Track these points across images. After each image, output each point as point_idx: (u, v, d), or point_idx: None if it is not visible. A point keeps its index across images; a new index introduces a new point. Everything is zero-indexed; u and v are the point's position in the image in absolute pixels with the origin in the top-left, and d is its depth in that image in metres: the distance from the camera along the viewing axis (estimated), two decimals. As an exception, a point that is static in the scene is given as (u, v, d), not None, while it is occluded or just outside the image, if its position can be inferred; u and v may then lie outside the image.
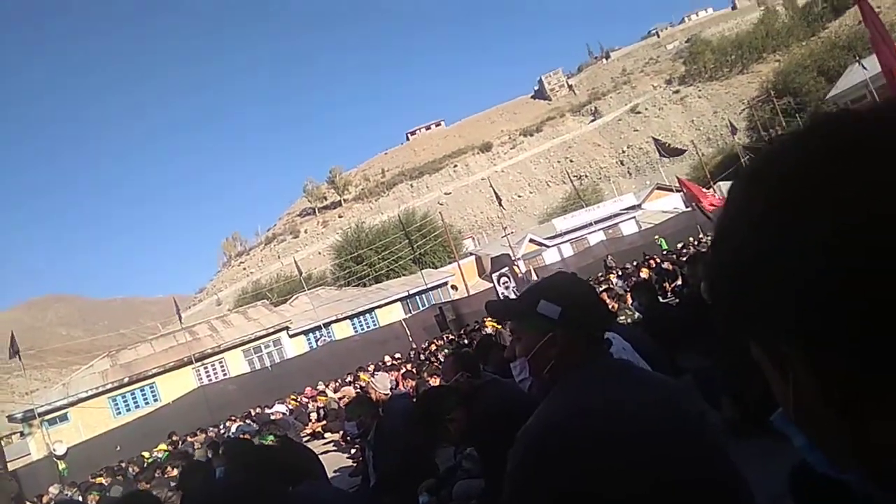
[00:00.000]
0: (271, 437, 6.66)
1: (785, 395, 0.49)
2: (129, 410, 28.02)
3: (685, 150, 51.49)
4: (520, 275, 21.70)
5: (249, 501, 2.00)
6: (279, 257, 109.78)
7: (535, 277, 22.92)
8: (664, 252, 23.29)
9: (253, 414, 16.86)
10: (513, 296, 20.26)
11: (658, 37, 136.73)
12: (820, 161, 0.45)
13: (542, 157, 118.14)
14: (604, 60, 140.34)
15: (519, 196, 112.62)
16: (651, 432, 1.41)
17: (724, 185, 44.77)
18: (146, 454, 15.38)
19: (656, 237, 29.48)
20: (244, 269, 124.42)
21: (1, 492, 12.39)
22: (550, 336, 1.61)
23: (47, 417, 26.77)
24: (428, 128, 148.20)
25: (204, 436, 15.47)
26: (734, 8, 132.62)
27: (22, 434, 29.98)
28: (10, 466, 19.95)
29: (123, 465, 14.88)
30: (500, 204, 46.06)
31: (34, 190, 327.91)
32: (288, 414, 14.52)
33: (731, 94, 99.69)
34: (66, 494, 12.07)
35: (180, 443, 15.52)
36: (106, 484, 11.95)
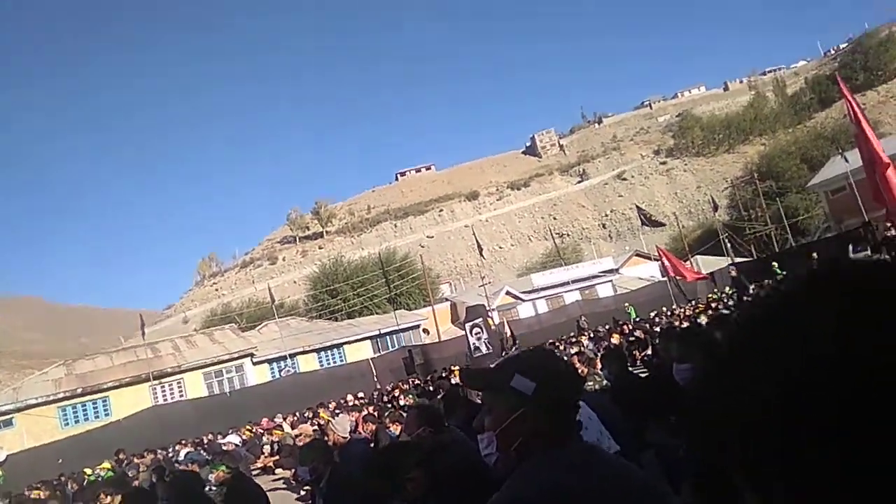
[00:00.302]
0: (223, 468, 6.43)
1: None
2: (77, 422, 27.09)
3: (664, 224, 52.28)
4: (493, 327, 21.61)
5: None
6: (253, 282, 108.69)
7: (507, 331, 22.83)
8: (634, 320, 23.41)
9: (205, 441, 16.36)
10: (484, 348, 20.14)
11: (650, 108, 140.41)
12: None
13: (527, 211, 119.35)
14: (596, 125, 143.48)
15: (500, 247, 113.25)
16: None
17: (702, 259, 45.49)
18: (88, 471, 14.76)
19: (626, 304, 29.67)
20: (216, 290, 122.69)
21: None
22: (522, 412, 1.57)
23: (-9, 421, 25.79)
24: (418, 170, 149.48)
25: (152, 457, 14.96)
26: (726, 89, 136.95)
27: (-38, 435, 28.80)
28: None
29: (63, 479, 14.30)
30: (481, 253, 46.25)
31: (9, 188, 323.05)
32: (241, 445, 14.11)
33: (716, 171, 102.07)
34: (-1, 505, 11.54)
35: (126, 463, 14.97)
36: (42, 497, 11.45)
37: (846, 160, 32.92)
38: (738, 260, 41.03)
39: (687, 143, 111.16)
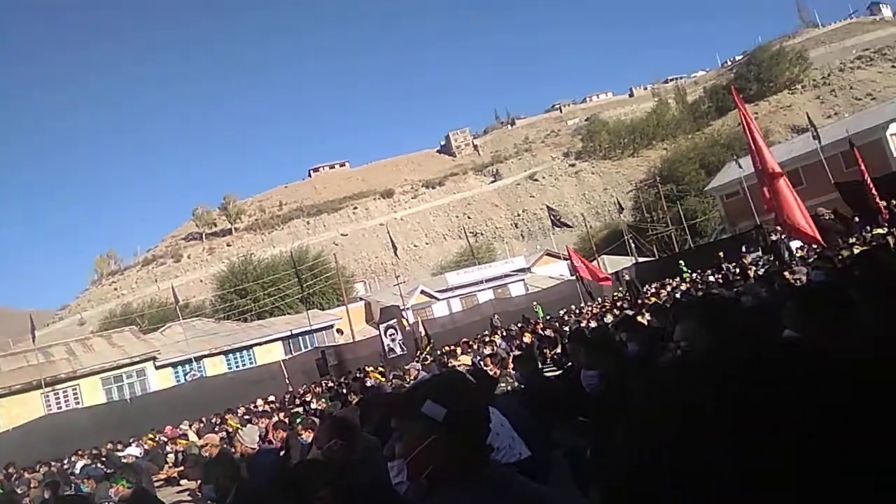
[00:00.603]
0: (124, 482, 6.06)
1: None
2: (-41, 434, 24.98)
3: (573, 226, 54.09)
4: (407, 328, 21.60)
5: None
6: (156, 281, 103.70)
7: (422, 330, 22.88)
8: (543, 318, 23.98)
9: (104, 452, 15.45)
10: (398, 349, 20.09)
11: (561, 112, 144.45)
12: None
13: (442, 210, 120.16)
14: (509, 126, 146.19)
15: (415, 245, 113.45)
16: None
17: (608, 258, 47.28)
18: (-30, 490, 13.66)
19: (534, 303, 30.39)
20: (115, 289, 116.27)
21: None
22: (433, 439, 1.54)
23: None
24: (332, 167, 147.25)
25: (45, 470, 14.01)
26: (631, 95, 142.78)
27: None
28: None
29: (-59, 499, 13.13)
30: (395, 252, 46.11)
31: None
32: (142, 455, 13.44)
33: (622, 174, 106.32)
34: None
35: (16, 478, 13.94)
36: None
37: (740, 166, 35.08)
38: (641, 259, 42.94)
39: (595, 147, 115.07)
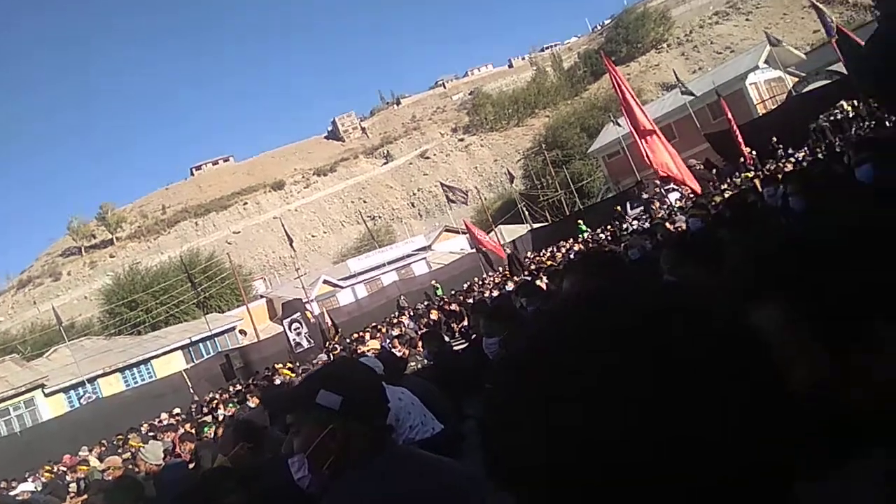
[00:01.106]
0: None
1: None
2: None
3: (466, 195, 54.91)
4: (312, 319, 21.24)
5: None
6: (35, 303, 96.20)
7: (328, 320, 22.57)
8: (441, 296, 24.22)
9: (-6, 494, 14.26)
10: (305, 342, 19.74)
11: (445, 87, 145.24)
12: None
13: (337, 197, 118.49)
14: (395, 106, 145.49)
15: (312, 236, 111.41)
16: None
17: (505, 228, 48.39)
18: None
19: (433, 282, 30.67)
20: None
21: None
22: (331, 429, 1.52)
23: None
24: (215, 163, 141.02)
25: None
26: (511, 66, 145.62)
27: None
28: None
29: None
30: (292, 245, 45.02)
31: None
32: (39, 490, 12.49)
33: (509, 144, 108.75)
34: None
35: None
36: None
37: (618, 125, 36.68)
38: (536, 226, 44.22)
39: (481, 120, 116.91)
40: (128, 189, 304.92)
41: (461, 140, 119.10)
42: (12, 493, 12.67)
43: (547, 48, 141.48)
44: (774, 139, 21.30)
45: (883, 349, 0.52)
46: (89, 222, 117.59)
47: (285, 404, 1.97)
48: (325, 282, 44.87)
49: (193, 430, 9.63)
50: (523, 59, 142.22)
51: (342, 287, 44.12)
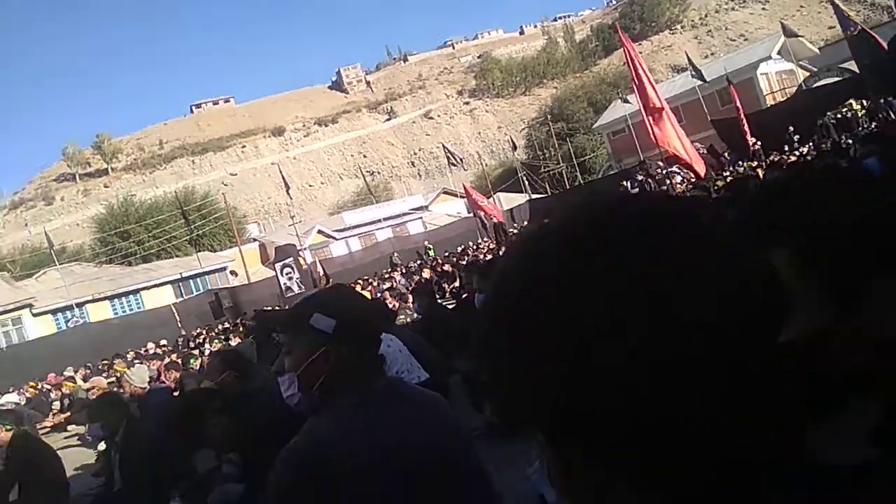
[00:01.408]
0: (6, 426, 5.70)
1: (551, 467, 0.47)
2: None
3: (467, 169, 54.46)
4: (304, 266, 21.31)
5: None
6: (27, 225, 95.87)
7: (320, 270, 22.65)
8: (432, 258, 24.24)
9: (-25, 406, 14.43)
10: (296, 287, 19.83)
11: (453, 48, 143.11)
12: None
13: (336, 148, 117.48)
14: (402, 63, 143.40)
15: (310, 185, 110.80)
16: (413, 460, 1.44)
17: (504, 196, 48.30)
18: None
19: (426, 242, 30.71)
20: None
21: None
22: (323, 351, 1.55)
23: None
24: (216, 103, 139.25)
25: None
26: (522, 33, 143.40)
27: None
28: None
29: None
30: (288, 192, 44.75)
31: None
32: (24, 404, 12.68)
33: (515, 112, 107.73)
34: None
35: None
36: None
37: (627, 101, 36.36)
38: (534, 196, 44.14)
39: (488, 85, 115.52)
40: (126, 121, 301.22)
41: (466, 104, 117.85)
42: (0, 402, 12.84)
43: (560, 18, 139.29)
44: (791, 128, 21.15)
45: (884, 308, 0.52)
46: (84, 150, 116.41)
47: (279, 324, 2.02)
48: (320, 231, 44.84)
49: (179, 361, 9.73)
50: (535, 27, 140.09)
51: (336, 238, 44.13)
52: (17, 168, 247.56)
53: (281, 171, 57.63)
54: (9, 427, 5.55)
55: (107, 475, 5.58)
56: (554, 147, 57.58)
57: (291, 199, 67.60)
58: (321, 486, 1.38)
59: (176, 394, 7.04)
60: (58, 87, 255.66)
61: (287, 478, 1.43)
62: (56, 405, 12.03)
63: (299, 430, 1.59)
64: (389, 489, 1.39)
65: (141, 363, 11.85)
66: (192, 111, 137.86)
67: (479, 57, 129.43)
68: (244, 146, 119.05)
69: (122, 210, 52.07)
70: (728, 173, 16.48)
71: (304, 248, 36.61)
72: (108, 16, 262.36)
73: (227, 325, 18.23)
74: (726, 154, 23.67)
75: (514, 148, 53.90)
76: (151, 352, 15.51)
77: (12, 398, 13.53)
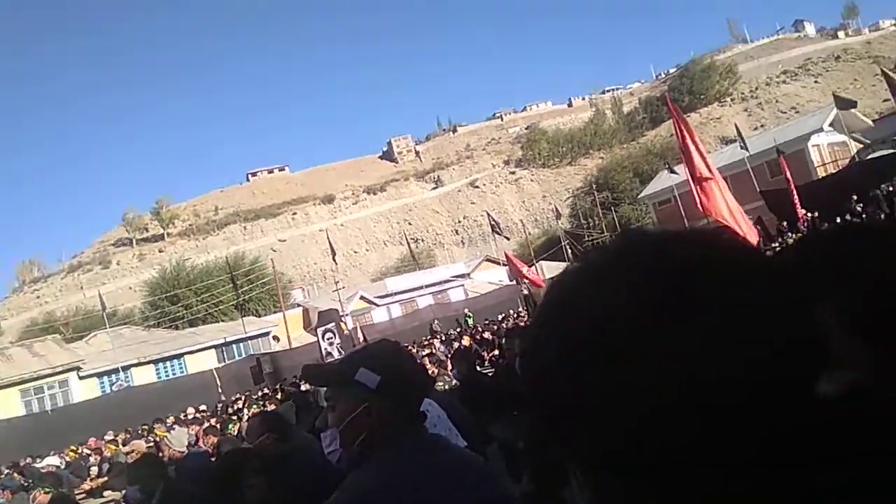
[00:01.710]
0: (44, 488, 5.75)
1: None
2: None
3: (510, 238, 54.70)
4: (346, 332, 21.39)
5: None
6: (82, 288, 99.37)
7: (360, 336, 22.69)
8: (468, 327, 24.00)
9: (21, 465, 14.62)
10: (336, 353, 19.85)
11: (502, 120, 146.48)
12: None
13: (383, 216, 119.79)
14: (451, 133, 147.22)
15: (355, 252, 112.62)
16: None
17: (546, 265, 48.08)
18: None
19: (465, 311, 30.54)
20: (38, 297, 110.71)
21: None
22: (366, 406, 1.56)
23: None
24: (271, 171, 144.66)
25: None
26: (570, 105, 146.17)
27: None
28: None
29: None
30: (334, 258, 45.55)
31: None
32: (63, 467, 12.78)
33: (560, 182, 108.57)
34: None
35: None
36: None
37: (675, 173, 36.28)
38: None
39: (534, 155, 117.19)
40: (185, 187, 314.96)
41: (512, 173, 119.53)
42: (38, 466, 12.98)
43: (608, 91, 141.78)
44: (854, 197, 20.54)
45: None
46: (144, 215, 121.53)
47: (324, 378, 2.01)
48: (362, 298, 45.19)
49: (218, 426, 9.74)
50: (583, 99, 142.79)
51: (378, 305, 44.35)
52: (80, 232, 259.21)
53: (328, 238, 58.97)
54: (48, 490, 5.64)
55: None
56: (598, 216, 57.49)
57: (337, 265, 68.71)
58: None
59: (213, 459, 7.00)
60: (122, 153, 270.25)
61: None
62: (94, 470, 12.09)
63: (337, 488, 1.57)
64: None
65: (180, 427, 11.92)
66: (248, 179, 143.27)
67: (526, 128, 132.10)
68: (295, 213, 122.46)
69: (174, 274, 53.69)
70: (777, 244, 16.12)
71: (347, 314, 36.86)
72: (171, 87, 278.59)
73: (265, 390, 18.26)
74: (784, 223, 23.20)
75: (558, 216, 54.05)
76: (191, 417, 15.57)
77: (53, 461, 13.69)
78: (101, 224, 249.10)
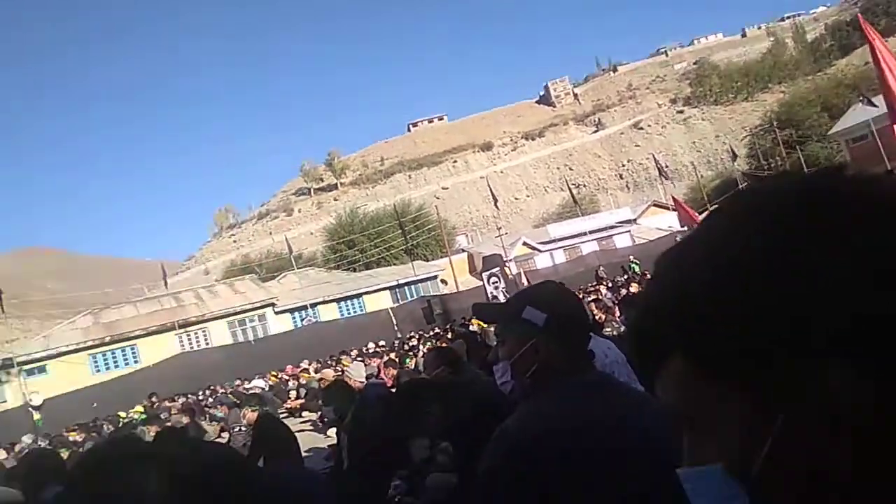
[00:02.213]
0: (252, 407, 6.72)
1: (748, 445, 0.43)
2: (108, 369, 28.03)
3: (675, 182, 51.64)
4: (510, 276, 21.83)
5: (229, 471, 2.09)
6: (271, 234, 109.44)
7: (525, 281, 23.03)
8: (635, 274, 23.22)
9: (232, 386, 16.94)
10: (501, 297, 20.38)
11: (667, 56, 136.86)
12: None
13: (542, 162, 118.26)
14: (611, 73, 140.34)
15: (516, 198, 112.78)
16: (623, 449, 1.44)
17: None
18: (122, 414, 15.47)
19: (631, 258, 29.53)
20: (234, 241, 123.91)
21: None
22: (533, 343, 1.63)
23: (25, 367, 26.83)
24: (430, 121, 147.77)
25: (182, 401, 15.54)
26: (744, 35, 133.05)
27: (-1, 381, 29.82)
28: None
29: (98, 422, 14.93)
30: (496, 204, 46.08)
31: (30, 139, 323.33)
32: (267, 389, 14.59)
33: (735, 120, 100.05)
34: (39, 446, 12.11)
35: (157, 406, 15.60)
36: (80, 440, 12.04)
37: (872, 104, 32.03)
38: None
39: (704, 92, 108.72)
40: (353, 139, 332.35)
41: (680, 112, 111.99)
42: (246, 387, 14.93)
43: (788, 18, 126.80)
44: None
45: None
46: (318, 166, 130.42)
47: (493, 316, 2.21)
48: (525, 244, 45.42)
49: (397, 360, 10.58)
50: (759, 28, 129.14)
51: (540, 251, 44.40)
52: (264, 183, 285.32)
53: (489, 185, 59.60)
54: (254, 408, 6.56)
55: (337, 458, 6.29)
56: (781, 156, 52.57)
57: (499, 210, 69.46)
58: (533, 467, 1.42)
59: (393, 389, 7.71)
60: (296, 111, 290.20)
61: (498, 459, 1.49)
62: (293, 393, 13.64)
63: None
64: (601, 470, 1.40)
65: (363, 361, 13.08)
66: (409, 129, 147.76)
67: (694, 63, 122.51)
68: (455, 161, 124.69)
69: (348, 221, 57.38)
70: None
71: (510, 260, 37.39)
72: (338, 49, 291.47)
73: (436, 330, 19.26)
74: None
75: (734, 157, 50.23)
76: (372, 350, 16.91)
77: (259, 384, 15.65)
78: (282, 175, 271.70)
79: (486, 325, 14.28)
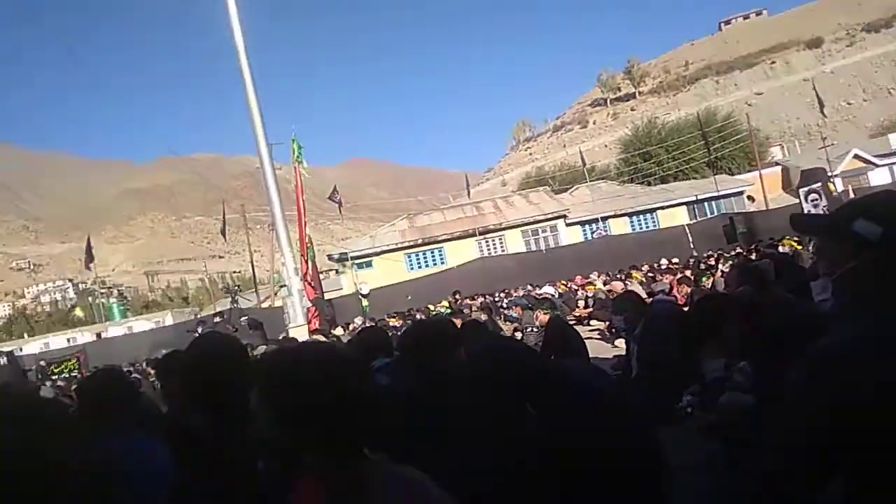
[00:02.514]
0: (545, 311, 7.15)
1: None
2: (420, 268, 31.90)
3: None
4: (834, 194, 19.06)
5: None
6: (565, 146, 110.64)
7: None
8: None
9: (525, 290, 18.01)
10: (820, 216, 18.00)
11: None
12: None
13: (887, 58, 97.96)
14: None
15: (849, 103, 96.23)
16: None
17: None
18: (431, 307, 17.59)
19: None
20: (530, 154, 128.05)
21: (322, 312, 15.31)
22: (864, 260, 1.45)
23: (356, 261, 31.93)
24: (746, 17, 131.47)
25: (481, 300, 17.08)
26: None
27: (336, 272, 36.02)
28: (327, 296, 24.33)
29: (413, 311, 17.25)
30: (822, 111, 39.76)
31: (366, 67, 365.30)
32: (556, 297, 15.20)
33: None
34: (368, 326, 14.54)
35: (459, 302, 17.38)
36: (398, 325, 14.09)
37: None
38: None
39: None
40: (655, 43, 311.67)
41: None
42: (539, 292, 15.72)
43: None
44: None
45: None
46: (616, 75, 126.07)
47: (815, 228, 1.99)
48: (857, 156, 39.00)
49: (692, 277, 10.14)
50: None
51: (877, 165, 37.75)
52: (560, 95, 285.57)
53: (815, 88, 51.58)
54: (546, 311, 7.04)
55: (625, 368, 6.39)
56: None
57: (825, 118, 60.09)
58: (849, 393, 1.31)
59: (685, 308, 7.44)
60: (592, 18, 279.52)
61: (809, 382, 1.39)
62: (581, 303, 14.00)
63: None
64: None
65: (654, 277, 12.83)
66: (720, 28, 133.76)
67: None
68: (774, 62, 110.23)
69: (645, 132, 55.06)
70: None
71: (835, 175, 32.47)
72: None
73: (739, 249, 17.86)
74: None
75: None
76: (664, 267, 16.42)
77: (549, 290, 16.36)
78: (579, 86, 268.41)
79: (799, 248, 12.84)
